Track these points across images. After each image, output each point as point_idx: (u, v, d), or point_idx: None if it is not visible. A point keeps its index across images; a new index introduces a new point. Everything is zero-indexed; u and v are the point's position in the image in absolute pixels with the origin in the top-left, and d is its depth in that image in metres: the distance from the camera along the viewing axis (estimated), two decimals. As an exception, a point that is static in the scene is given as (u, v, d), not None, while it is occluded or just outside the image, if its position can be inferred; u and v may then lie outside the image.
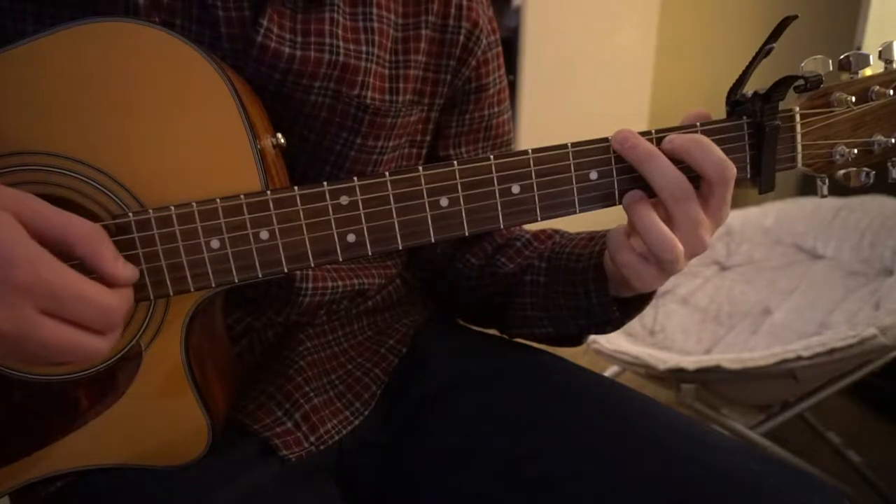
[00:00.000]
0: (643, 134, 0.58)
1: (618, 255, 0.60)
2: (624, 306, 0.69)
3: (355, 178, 0.56)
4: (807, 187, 2.38)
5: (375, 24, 0.69)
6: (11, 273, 0.45)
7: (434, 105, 0.75)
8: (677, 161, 0.57)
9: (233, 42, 0.63)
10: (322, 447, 0.70)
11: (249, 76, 0.63)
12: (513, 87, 2.49)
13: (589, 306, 0.69)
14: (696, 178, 0.57)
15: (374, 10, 0.69)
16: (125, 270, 0.51)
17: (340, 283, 0.74)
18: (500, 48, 0.79)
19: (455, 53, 0.74)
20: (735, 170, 0.57)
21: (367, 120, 0.69)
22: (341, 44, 0.66)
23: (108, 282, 0.50)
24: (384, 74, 0.70)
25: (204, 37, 0.62)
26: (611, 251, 0.61)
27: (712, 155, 0.57)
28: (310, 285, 0.72)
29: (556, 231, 0.81)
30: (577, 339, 0.77)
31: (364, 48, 0.68)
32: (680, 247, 0.57)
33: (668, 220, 0.58)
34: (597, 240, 0.70)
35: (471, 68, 0.75)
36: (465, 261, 0.83)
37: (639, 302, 0.70)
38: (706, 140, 0.57)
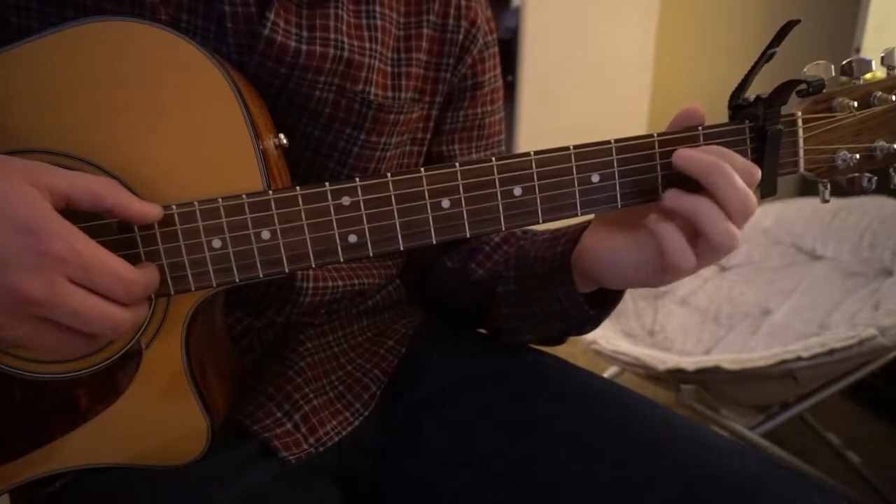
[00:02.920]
0: (645, 137, 0.58)
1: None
2: (600, 303, 0.69)
3: (357, 179, 0.55)
4: (806, 188, 2.38)
5: (378, 22, 0.69)
6: (48, 243, 0.47)
7: (435, 103, 0.76)
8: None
9: (238, 37, 0.63)
10: (321, 449, 0.70)
11: (255, 72, 0.64)
12: (512, 87, 2.48)
13: (561, 310, 0.69)
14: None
15: (377, 8, 0.70)
16: (151, 207, 0.54)
17: (341, 282, 0.74)
18: (496, 48, 0.80)
19: (454, 52, 0.75)
20: (755, 205, 0.57)
21: (370, 116, 0.69)
22: (345, 39, 0.67)
23: (139, 222, 0.53)
24: (387, 71, 0.71)
25: (210, 32, 0.63)
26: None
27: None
28: (310, 285, 0.72)
29: (525, 231, 0.81)
30: (559, 340, 0.77)
31: (367, 45, 0.68)
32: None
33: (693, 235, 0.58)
34: (558, 240, 0.70)
35: (467, 66, 0.76)
36: (442, 264, 0.83)
37: (611, 296, 0.70)
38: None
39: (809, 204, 2.02)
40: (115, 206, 0.52)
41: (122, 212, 0.52)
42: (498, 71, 0.81)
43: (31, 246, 0.47)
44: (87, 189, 0.50)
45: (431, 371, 0.79)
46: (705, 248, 0.57)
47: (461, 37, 0.74)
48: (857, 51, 2.24)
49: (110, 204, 0.51)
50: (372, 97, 0.69)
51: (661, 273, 0.60)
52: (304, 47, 0.64)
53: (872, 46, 2.20)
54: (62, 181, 0.50)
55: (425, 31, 0.73)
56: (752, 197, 0.56)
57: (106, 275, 0.50)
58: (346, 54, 0.66)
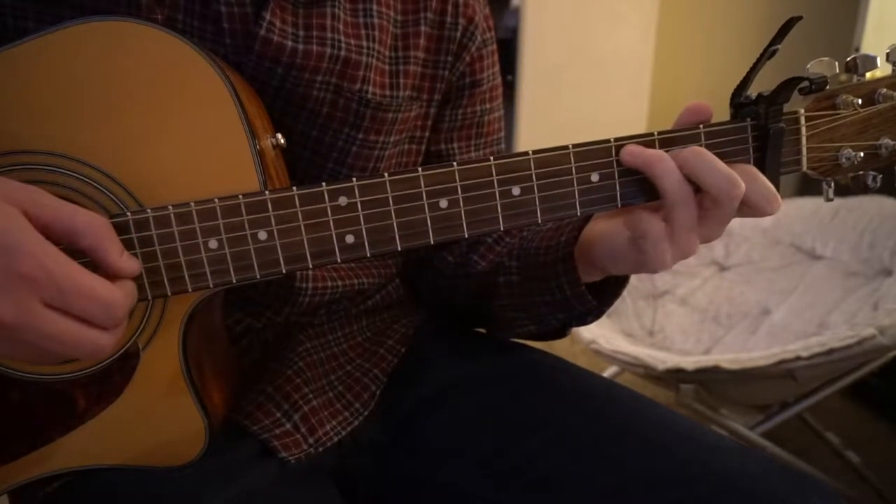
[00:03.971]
0: (645, 136, 0.58)
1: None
2: (600, 294, 0.69)
3: (354, 179, 0.55)
4: (806, 187, 2.38)
5: (375, 20, 0.69)
6: (17, 263, 0.45)
7: (433, 101, 0.76)
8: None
9: (234, 37, 0.63)
10: (321, 449, 0.70)
11: (251, 72, 0.63)
12: (512, 87, 2.48)
13: (564, 299, 0.69)
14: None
15: (374, 7, 0.69)
16: (129, 263, 0.51)
17: (340, 282, 0.74)
18: (494, 46, 0.79)
19: (452, 49, 0.74)
20: (743, 187, 0.56)
21: (368, 115, 0.69)
22: (342, 38, 0.66)
23: (112, 275, 0.50)
24: (384, 70, 0.70)
25: (206, 33, 0.62)
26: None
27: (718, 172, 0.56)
28: (310, 285, 0.72)
29: None
30: (560, 333, 0.77)
31: (365, 43, 0.68)
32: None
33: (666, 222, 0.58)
34: (562, 229, 0.70)
35: (465, 63, 0.76)
36: (442, 258, 0.83)
37: (614, 287, 0.69)
38: (710, 155, 0.56)
39: (809, 203, 2.02)
40: (89, 248, 0.49)
41: (97, 257, 0.50)
42: (497, 69, 0.81)
43: (1, 266, 0.45)
44: (67, 224, 0.48)
45: (431, 370, 0.79)
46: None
47: (459, 34, 0.74)
48: (857, 49, 2.24)
49: (85, 245, 0.49)
50: (370, 96, 0.69)
51: (639, 245, 0.59)
52: (300, 47, 0.64)
53: (872, 45, 2.20)
54: (43, 210, 0.48)
55: (423, 28, 0.73)
56: (686, 196, 0.56)
57: (82, 297, 0.47)
58: (343, 53, 0.66)
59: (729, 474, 0.62)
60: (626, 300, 1.95)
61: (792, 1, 2.51)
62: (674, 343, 1.85)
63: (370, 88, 0.69)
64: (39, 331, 0.47)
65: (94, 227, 0.49)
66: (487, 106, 0.80)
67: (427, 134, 0.78)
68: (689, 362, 1.47)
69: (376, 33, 0.69)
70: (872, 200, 1.88)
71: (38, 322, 0.46)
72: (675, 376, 1.49)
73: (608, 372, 1.89)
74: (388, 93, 0.70)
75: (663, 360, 1.51)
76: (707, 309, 1.94)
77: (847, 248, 1.86)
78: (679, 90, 2.86)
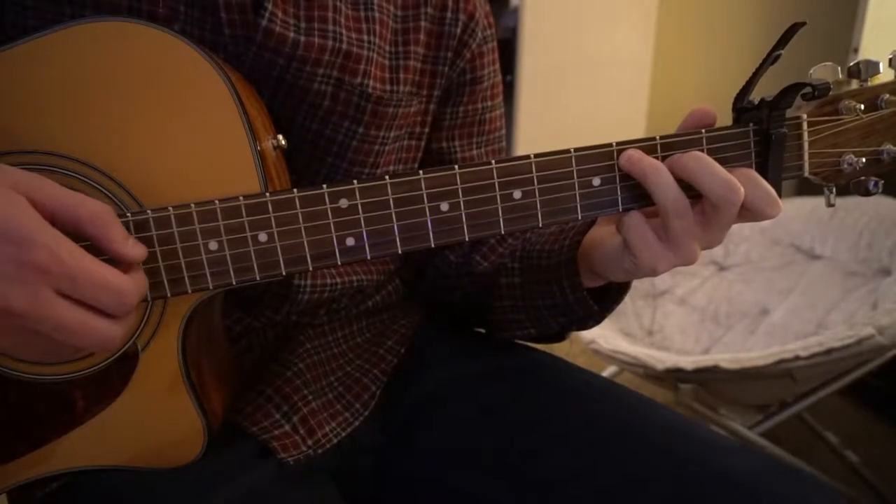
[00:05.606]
0: (647, 140, 0.58)
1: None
2: (602, 299, 0.69)
3: (355, 181, 0.55)
4: (805, 187, 2.38)
5: (376, 14, 0.69)
6: (29, 253, 0.45)
7: (433, 97, 0.76)
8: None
9: (233, 27, 0.62)
10: (320, 450, 0.70)
11: (252, 63, 0.63)
12: (511, 87, 2.48)
13: (566, 303, 0.69)
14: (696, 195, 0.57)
15: (375, 1, 0.69)
16: (135, 249, 0.51)
17: (339, 279, 0.74)
18: (495, 43, 0.79)
19: (452, 45, 0.74)
20: (742, 193, 0.55)
21: (369, 109, 0.69)
22: (343, 31, 0.66)
23: (119, 262, 0.50)
24: (384, 64, 0.70)
25: (206, 24, 0.62)
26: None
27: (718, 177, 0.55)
28: (308, 283, 0.72)
29: None
30: (559, 336, 0.77)
31: (366, 37, 0.68)
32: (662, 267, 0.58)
33: (664, 231, 0.57)
34: (566, 233, 0.70)
35: (466, 60, 0.76)
36: (443, 258, 0.83)
37: (616, 293, 0.69)
38: (710, 161, 0.56)
39: (808, 203, 2.02)
40: (94, 236, 0.49)
41: (102, 245, 0.50)
42: (497, 66, 0.81)
43: (13, 256, 0.45)
44: (73, 212, 0.48)
45: (431, 370, 0.79)
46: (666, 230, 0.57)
47: (459, 30, 0.74)
48: (856, 51, 2.23)
49: (90, 232, 0.49)
50: (370, 90, 0.69)
51: (629, 251, 0.59)
52: (302, 38, 0.64)
53: (871, 46, 2.19)
54: (49, 198, 0.47)
55: (423, 24, 0.73)
56: (682, 208, 0.56)
57: (95, 286, 0.47)
58: (344, 46, 0.66)
59: (728, 472, 0.62)
60: (626, 300, 1.95)
61: (791, 1, 2.51)
62: (673, 343, 1.85)
63: (370, 82, 0.68)
64: (52, 320, 0.47)
65: (97, 215, 0.49)
66: (489, 103, 0.80)
67: (426, 130, 0.78)
68: (689, 362, 1.47)
69: (376, 27, 0.69)
70: (871, 200, 1.88)
71: (50, 311, 0.46)
72: (675, 376, 1.49)
73: (607, 372, 1.89)
74: (387, 87, 0.70)
75: (662, 359, 1.51)
76: (706, 309, 1.94)
77: (846, 247, 1.87)
78: (678, 90, 2.85)
